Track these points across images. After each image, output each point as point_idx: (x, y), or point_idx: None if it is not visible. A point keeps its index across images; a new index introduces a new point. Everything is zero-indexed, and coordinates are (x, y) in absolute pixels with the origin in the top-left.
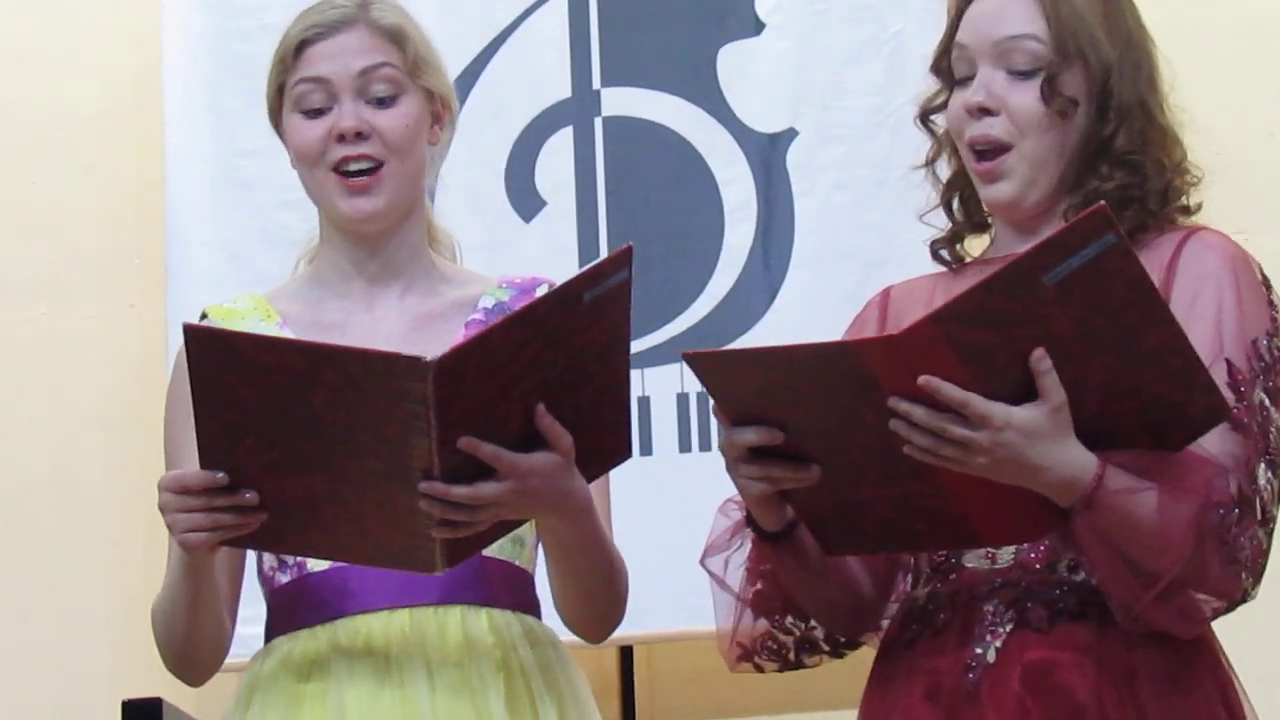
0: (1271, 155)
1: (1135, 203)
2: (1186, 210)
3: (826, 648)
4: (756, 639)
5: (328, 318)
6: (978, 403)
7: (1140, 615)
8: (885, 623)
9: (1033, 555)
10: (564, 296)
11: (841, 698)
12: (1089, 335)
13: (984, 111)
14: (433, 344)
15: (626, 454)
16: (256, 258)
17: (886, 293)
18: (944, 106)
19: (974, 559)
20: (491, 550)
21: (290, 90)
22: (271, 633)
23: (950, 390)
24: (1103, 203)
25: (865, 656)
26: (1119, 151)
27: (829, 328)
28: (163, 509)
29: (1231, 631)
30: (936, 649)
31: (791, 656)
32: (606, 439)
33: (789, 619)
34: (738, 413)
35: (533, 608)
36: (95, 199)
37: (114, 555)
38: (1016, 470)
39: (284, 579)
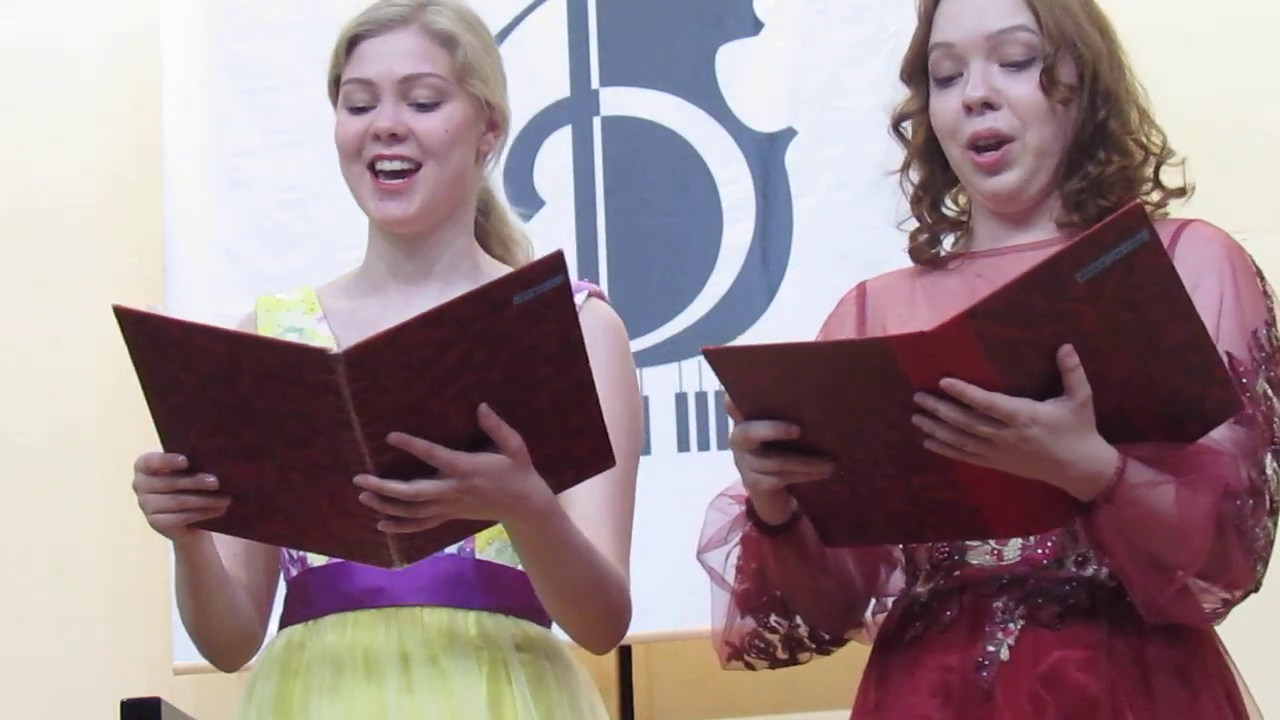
0: (1271, 155)
1: (1133, 184)
2: (1182, 191)
3: (812, 645)
4: (745, 637)
5: (365, 314)
6: (1003, 402)
7: (1163, 608)
8: (867, 619)
9: (1039, 551)
10: (486, 298)
11: (840, 697)
12: (1115, 330)
13: (986, 106)
14: None
15: (608, 462)
16: (255, 257)
17: (862, 288)
18: (920, 111)
19: (978, 556)
20: (488, 554)
21: (342, 83)
22: (281, 623)
23: (974, 393)
24: (1139, 200)
25: (864, 655)
26: (1113, 136)
27: None
28: (135, 489)
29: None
30: (943, 646)
31: (779, 654)
32: (577, 445)
33: (773, 617)
34: (752, 407)
35: (534, 613)
36: (94, 199)
37: (114, 555)
38: (1041, 465)
39: (293, 572)
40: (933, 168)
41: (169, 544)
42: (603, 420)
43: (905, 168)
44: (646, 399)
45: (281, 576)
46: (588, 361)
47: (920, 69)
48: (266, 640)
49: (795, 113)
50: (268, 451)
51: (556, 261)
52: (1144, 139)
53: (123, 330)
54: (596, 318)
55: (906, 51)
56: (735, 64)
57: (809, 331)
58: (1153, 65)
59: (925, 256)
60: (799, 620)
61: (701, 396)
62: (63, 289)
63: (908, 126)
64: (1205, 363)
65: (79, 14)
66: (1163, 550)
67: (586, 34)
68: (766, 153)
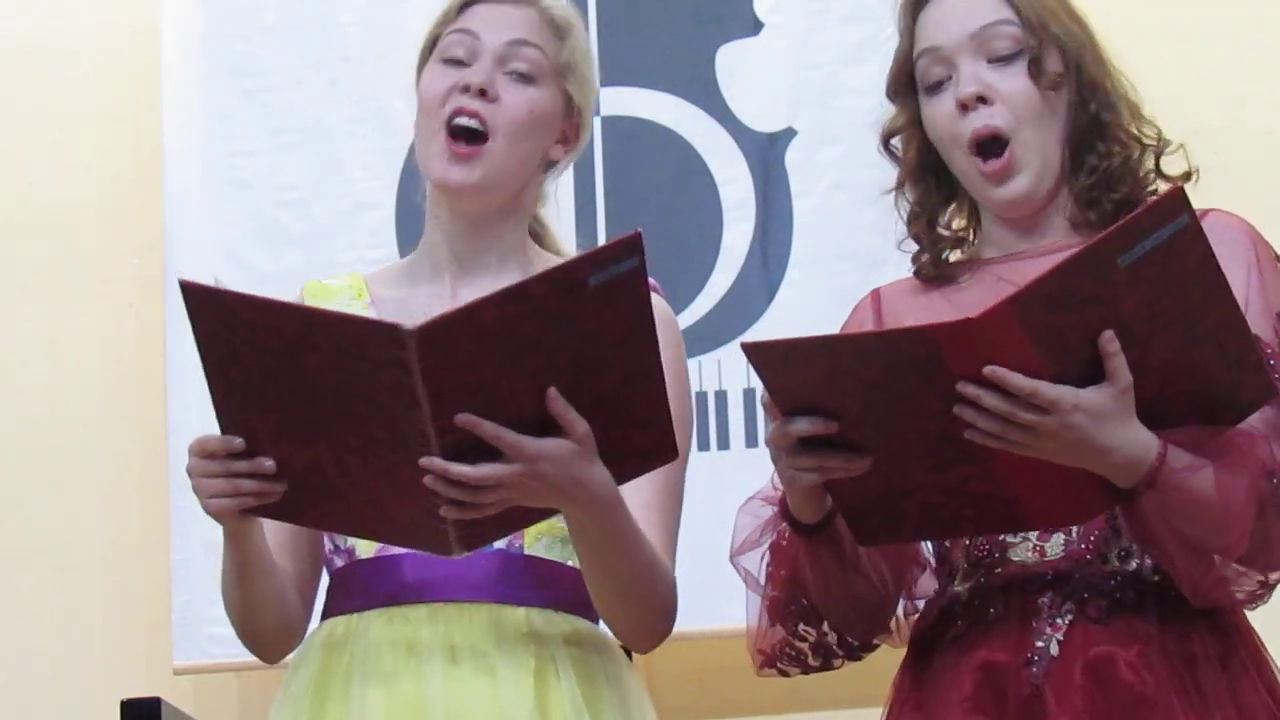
0: (1271, 155)
1: (1138, 175)
2: (1187, 176)
3: (841, 652)
4: (776, 645)
5: (414, 303)
6: (1046, 389)
7: (1209, 592)
8: (900, 619)
9: (1083, 546)
10: (563, 277)
11: (843, 698)
12: (1155, 316)
13: (980, 101)
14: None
15: (671, 455)
16: (255, 257)
17: (876, 294)
18: (910, 125)
19: (1020, 553)
20: (537, 549)
21: (441, 40)
22: (324, 613)
23: (1018, 379)
24: (1179, 184)
25: (867, 656)
26: (1108, 129)
27: (827, 327)
28: (189, 473)
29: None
30: (989, 643)
31: (811, 661)
32: (641, 436)
33: (801, 625)
34: (790, 403)
35: (583, 608)
36: (94, 199)
37: (114, 555)
38: (1083, 452)
39: (339, 563)
40: (928, 184)
41: (169, 544)
42: (669, 411)
43: (900, 185)
44: None
45: (325, 568)
46: (658, 349)
47: (906, 83)
48: (309, 631)
49: (795, 113)
50: (326, 431)
51: (634, 242)
52: (1138, 131)
53: (186, 304)
54: (656, 312)
55: (890, 67)
56: (735, 64)
57: (809, 332)
58: (1153, 65)
59: (931, 274)
60: (826, 628)
61: (702, 397)
62: (63, 289)
63: (898, 145)
64: (1242, 348)
65: (79, 14)
66: (1206, 534)
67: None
68: (766, 153)
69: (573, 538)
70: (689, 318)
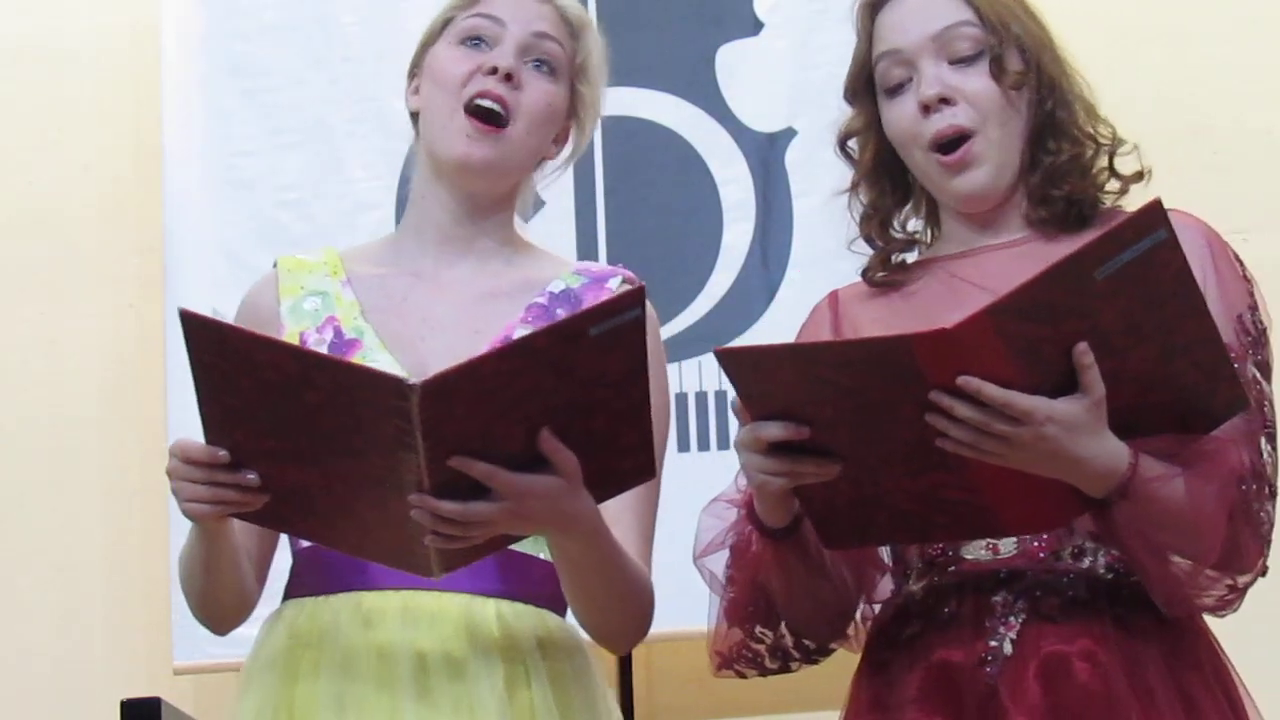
0: (1271, 155)
1: (1087, 173)
2: (1139, 175)
3: (797, 655)
4: (734, 647)
5: (395, 285)
6: (1019, 400)
7: (1183, 601)
8: (851, 627)
9: (1036, 544)
10: (566, 331)
11: (841, 697)
12: (1131, 328)
13: (943, 102)
14: (490, 322)
15: (649, 475)
16: (254, 257)
17: (834, 296)
18: (867, 128)
19: (973, 551)
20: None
21: (458, 23)
22: (288, 593)
23: (991, 390)
24: (1158, 198)
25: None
26: (1061, 125)
27: None
28: (169, 474)
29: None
30: (945, 642)
31: (768, 663)
32: (625, 461)
33: (758, 628)
34: (762, 409)
35: (554, 603)
36: (94, 199)
37: (113, 555)
38: (1056, 463)
39: (303, 542)
40: (882, 187)
41: (169, 544)
42: (652, 438)
43: (854, 187)
44: None
45: (286, 543)
46: (648, 384)
47: (864, 85)
48: (270, 613)
49: (795, 113)
50: (317, 459)
51: (638, 295)
52: (1092, 130)
53: (185, 333)
54: None
55: (849, 69)
56: (735, 64)
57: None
58: (1153, 65)
59: (879, 280)
60: (784, 630)
61: (702, 396)
62: (63, 289)
63: (854, 146)
64: (1216, 360)
65: (79, 14)
66: (1179, 542)
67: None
68: (766, 152)
69: (555, 560)
70: (689, 318)
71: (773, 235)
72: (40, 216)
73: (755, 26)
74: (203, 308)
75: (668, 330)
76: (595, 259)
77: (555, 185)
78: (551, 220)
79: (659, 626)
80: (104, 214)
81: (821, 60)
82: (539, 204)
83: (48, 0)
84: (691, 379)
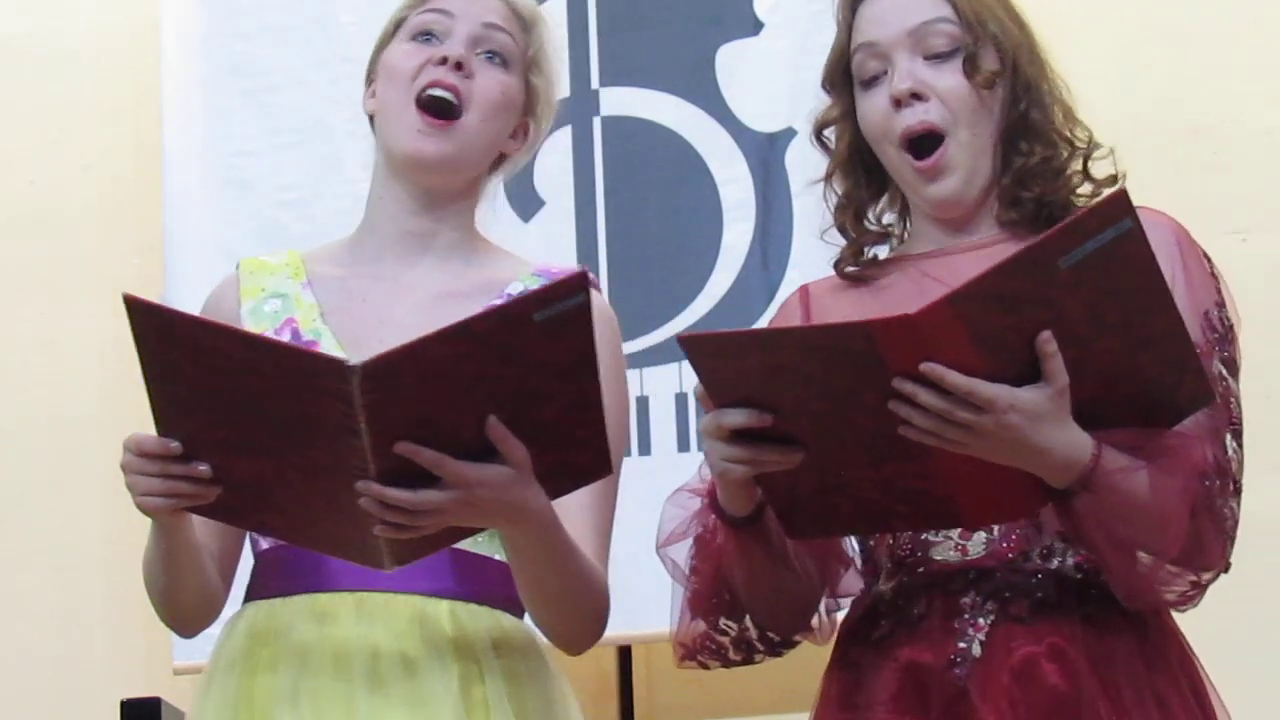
0: (1271, 155)
1: (1059, 176)
2: (1113, 179)
3: (762, 647)
4: (697, 638)
5: (355, 285)
6: (982, 387)
7: (1142, 594)
8: (824, 619)
9: (1004, 545)
10: (509, 315)
11: None
12: (1096, 319)
13: (915, 97)
14: (450, 321)
15: (605, 471)
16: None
17: (805, 290)
18: (843, 118)
19: (943, 551)
20: (464, 543)
21: (409, 21)
22: (249, 595)
23: (954, 377)
24: (1123, 187)
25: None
26: (1036, 127)
27: None
28: (123, 469)
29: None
30: (914, 643)
31: (731, 655)
32: (577, 455)
33: (722, 620)
34: (725, 396)
35: (510, 604)
36: (94, 199)
37: (113, 555)
38: (1018, 452)
39: (264, 545)
40: (857, 178)
41: None
42: (605, 432)
43: (828, 177)
44: (646, 399)
45: (251, 547)
46: (598, 377)
47: (842, 75)
48: (231, 613)
49: (795, 112)
50: (267, 448)
51: (579, 281)
52: (1068, 133)
53: (131, 319)
54: (595, 310)
55: (827, 59)
56: (735, 64)
57: None
58: (1153, 65)
59: (850, 272)
60: (748, 622)
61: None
62: (63, 289)
63: (830, 136)
64: (1181, 353)
65: (79, 14)
66: (1140, 536)
67: (586, 34)
68: (766, 152)
69: (508, 553)
70: (689, 318)
71: (773, 235)
72: (40, 216)
73: (755, 26)
74: (193, 307)
75: (668, 330)
76: (596, 259)
77: (555, 185)
78: (551, 220)
79: (659, 626)
80: (104, 214)
81: (821, 60)
82: (539, 203)
83: (48, 0)
84: (691, 378)
